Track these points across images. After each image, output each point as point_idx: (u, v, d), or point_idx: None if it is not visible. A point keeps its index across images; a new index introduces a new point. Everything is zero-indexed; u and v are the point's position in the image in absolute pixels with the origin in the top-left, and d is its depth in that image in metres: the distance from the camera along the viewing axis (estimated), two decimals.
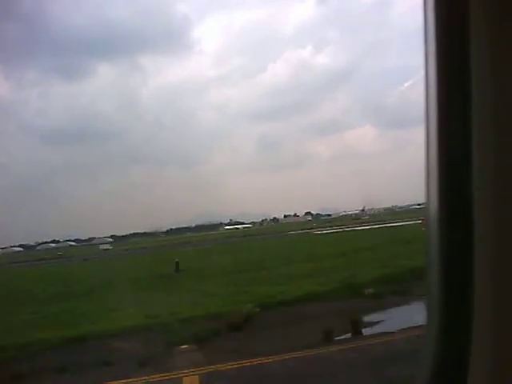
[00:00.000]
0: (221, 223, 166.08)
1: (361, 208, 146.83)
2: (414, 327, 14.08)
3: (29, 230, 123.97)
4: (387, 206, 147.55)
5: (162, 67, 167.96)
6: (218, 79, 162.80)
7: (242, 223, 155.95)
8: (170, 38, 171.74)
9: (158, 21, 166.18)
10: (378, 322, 15.49)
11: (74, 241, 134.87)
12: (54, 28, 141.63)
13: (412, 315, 16.41)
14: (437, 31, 1.31)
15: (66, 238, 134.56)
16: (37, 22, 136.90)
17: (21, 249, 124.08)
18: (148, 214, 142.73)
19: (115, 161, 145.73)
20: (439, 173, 1.33)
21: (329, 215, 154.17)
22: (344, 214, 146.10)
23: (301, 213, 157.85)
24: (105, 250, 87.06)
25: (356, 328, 14.16)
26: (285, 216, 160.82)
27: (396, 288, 19.12)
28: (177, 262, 31.36)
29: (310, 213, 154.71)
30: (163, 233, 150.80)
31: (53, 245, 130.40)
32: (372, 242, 42.24)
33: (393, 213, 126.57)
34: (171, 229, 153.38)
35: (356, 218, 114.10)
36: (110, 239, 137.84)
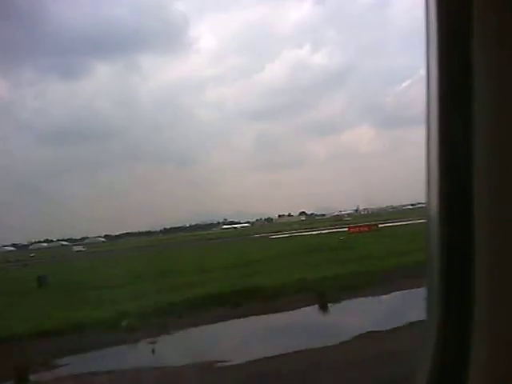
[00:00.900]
0: (218, 222, 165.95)
1: (354, 208, 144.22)
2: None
3: (23, 229, 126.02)
4: (382, 205, 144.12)
5: (160, 66, 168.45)
6: (215, 78, 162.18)
7: (238, 222, 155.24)
8: (168, 37, 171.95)
9: (155, 20, 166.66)
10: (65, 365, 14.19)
11: (66, 240, 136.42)
12: (51, 27, 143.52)
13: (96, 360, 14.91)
14: (439, 30, 1.31)
15: (59, 238, 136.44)
16: (34, 21, 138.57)
17: (13, 248, 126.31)
18: (144, 213, 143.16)
19: (112, 159, 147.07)
20: (440, 172, 1.33)
21: (323, 215, 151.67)
22: (338, 213, 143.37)
23: (296, 212, 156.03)
24: (77, 251, 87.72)
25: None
26: (279, 216, 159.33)
27: (165, 321, 17.80)
28: (38, 277, 31.08)
29: (304, 213, 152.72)
30: (158, 232, 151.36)
31: (45, 244, 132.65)
32: (296, 249, 41.08)
33: (385, 213, 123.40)
34: (165, 228, 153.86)
35: (337, 220, 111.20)
36: (103, 239, 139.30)
